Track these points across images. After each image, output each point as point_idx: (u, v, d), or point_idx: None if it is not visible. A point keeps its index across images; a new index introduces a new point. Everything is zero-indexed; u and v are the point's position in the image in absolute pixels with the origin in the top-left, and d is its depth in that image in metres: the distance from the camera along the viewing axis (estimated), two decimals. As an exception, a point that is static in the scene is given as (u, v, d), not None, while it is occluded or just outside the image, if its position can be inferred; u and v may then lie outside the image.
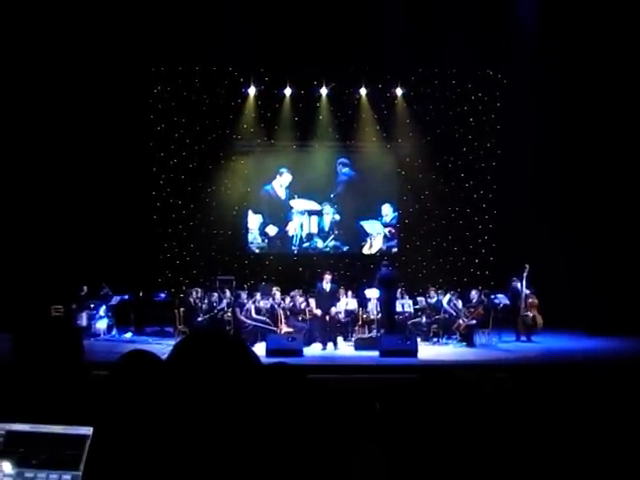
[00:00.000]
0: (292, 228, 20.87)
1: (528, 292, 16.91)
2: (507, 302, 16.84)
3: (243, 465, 1.88)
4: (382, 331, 15.83)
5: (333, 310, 16.12)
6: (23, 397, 2.52)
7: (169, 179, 20.23)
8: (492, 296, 16.92)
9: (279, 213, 20.94)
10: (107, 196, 18.64)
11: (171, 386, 1.94)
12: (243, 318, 16.26)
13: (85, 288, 17.54)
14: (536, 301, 16.90)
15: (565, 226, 18.00)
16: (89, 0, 16.84)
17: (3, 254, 17.22)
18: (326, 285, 16.14)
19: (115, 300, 17.39)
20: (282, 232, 20.87)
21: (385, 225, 21.06)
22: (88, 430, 2.18)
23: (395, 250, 20.93)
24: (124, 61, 17.86)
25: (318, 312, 16.12)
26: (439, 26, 17.71)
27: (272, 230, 20.82)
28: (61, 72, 17.41)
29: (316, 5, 17.40)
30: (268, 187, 20.88)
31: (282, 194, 20.90)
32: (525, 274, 16.85)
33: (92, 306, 17.30)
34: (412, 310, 17.00)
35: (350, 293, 17.40)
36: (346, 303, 16.84)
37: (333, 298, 16.42)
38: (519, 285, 16.96)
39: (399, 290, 17.01)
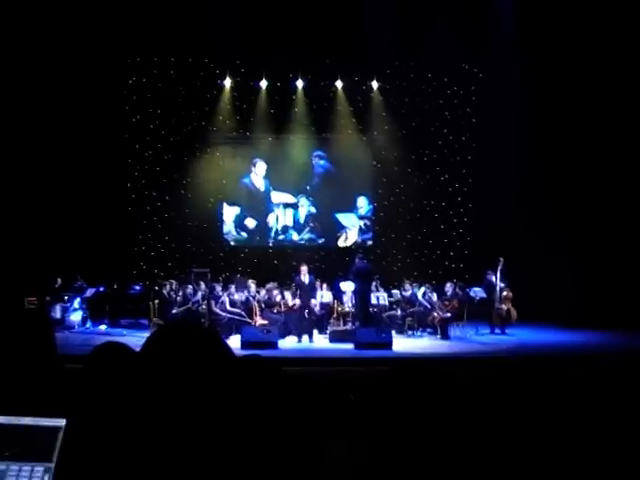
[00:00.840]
0: (272, 220, 20.88)
1: (502, 285, 17.00)
2: (484, 295, 16.94)
3: (216, 456, 1.88)
4: (357, 324, 15.86)
5: (313, 302, 16.15)
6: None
7: (144, 171, 20.16)
8: (469, 289, 17.01)
9: (259, 205, 20.94)
10: (81, 187, 18.54)
11: (144, 378, 1.93)
12: (218, 310, 16.24)
13: (59, 280, 17.45)
14: (510, 294, 16.98)
15: (540, 219, 18.14)
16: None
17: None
18: (304, 277, 16.12)
19: (89, 292, 17.30)
20: (262, 224, 20.88)
21: (360, 217, 21.12)
22: (61, 422, 2.17)
23: (370, 243, 21.01)
24: (99, 52, 17.74)
25: (297, 302, 16.14)
26: (416, 19, 17.77)
27: (251, 223, 20.80)
28: (35, 63, 17.23)
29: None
30: (246, 179, 20.87)
31: (261, 185, 20.89)
32: (500, 267, 16.94)
33: (66, 298, 17.21)
34: (387, 303, 17.05)
35: (325, 286, 17.43)
36: (321, 296, 16.86)
37: (312, 290, 16.44)
38: (494, 278, 17.04)
39: (374, 283, 17.04)
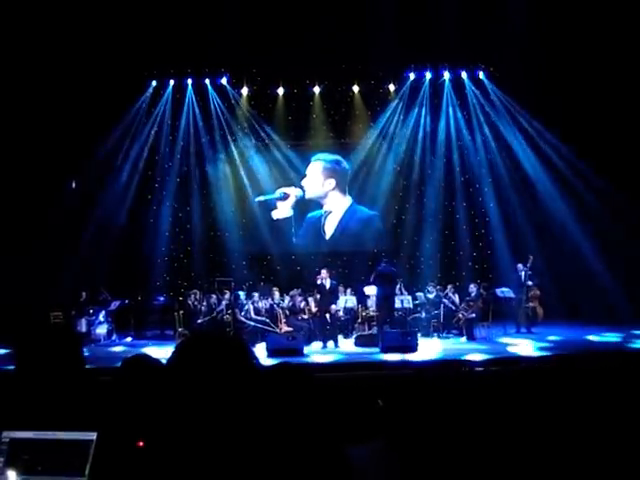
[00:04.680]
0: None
1: (531, 283, 16.89)
2: (512, 296, 16.79)
3: (245, 466, 1.89)
4: (385, 327, 15.77)
5: (333, 308, 16.08)
6: (26, 405, 2.52)
7: (164, 182, 20.20)
8: (496, 290, 16.92)
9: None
10: (103, 201, 18.69)
11: (172, 389, 1.94)
12: (243, 319, 16.27)
13: (84, 294, 17.51)
14: (538, 292, 16.90)
15: (562, 218, 18.06)
16: (81, 6, 16.72)
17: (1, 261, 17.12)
18: (325, 282, 16.04)
19: (114, 305, 17.34)
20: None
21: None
22: (92, 435, 2.18)
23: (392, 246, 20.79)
24: (116, 65, 17.73)
25: (314, 309, 16.18)
26: (429, 21, 17.67)
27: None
28: (56, 78, 17.20)
29: (305, 3, 17.37)
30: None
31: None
32: (529, 265, 16.84)
33: (91, 312, 17.24)
34: (411, 306, 16.98)
35: (349, 290, 17.42)
36: (345, 301, 16.83)
37: (334, 295, 16.39)
38: (522, 275, 16.90)
39: (398, 286, 16.99)
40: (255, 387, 1.97)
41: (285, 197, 20.54)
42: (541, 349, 14.03)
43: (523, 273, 16.93)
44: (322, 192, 20.61)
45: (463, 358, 12.90)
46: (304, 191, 20.53)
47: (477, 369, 10.34)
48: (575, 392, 3.06)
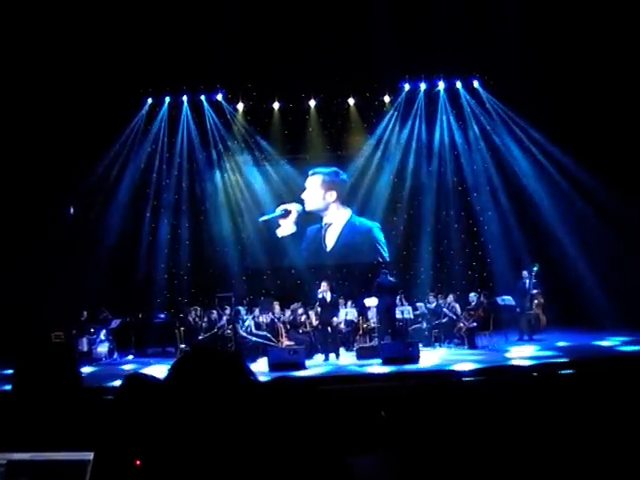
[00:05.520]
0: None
1: (535, 291, 16.88)
2: (513, 303, 16.75)
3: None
4: (386, 338, 15.74)
5: (334, 320, 16.07)
6: (23, 426, 2.51)
7: (162, 199, 20.21)
8: (498, 298, 16.88)
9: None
10: (102, 219, 18.70)
11: (168, 407, 1.93)
12: (244, 334, 16.25)
13: (85, 313, 17.47)
14: (542, 300, 16.87)
15: (562, 225, 18.09)
16: (76, 25, 16.74)
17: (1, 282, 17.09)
18: (326, 295, 16.02)
19: (115, 323, 17.32)
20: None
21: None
22: (89, 455, 2.17)
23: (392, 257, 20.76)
24: (112, 83, 17.75)
25: (315, 322, 16.17)
26: (423, 31, 17.68)
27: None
28: (52, 97, 17.19)
29: (299, 18, 17.39)
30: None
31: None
32: (534, 273, 16.84)
33: (92, 331, 17.20)
34: (412, 316, 16.94)
35: (350, 303, 17.39)
36: (346, 313, 16.80)
37: (334, 308, 16.37)
38: (527, 282, 16.91)
39: (398, 297, 16.96)
40: (252, 402, 1.95)
41: (287, 214, 20.55)
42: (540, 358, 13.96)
43: (527, 281, 16.94)
44: (323, 205, 20.63)
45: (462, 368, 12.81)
46: (304, 205, 20.53)
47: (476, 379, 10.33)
48: (577, 404, 3.05)
